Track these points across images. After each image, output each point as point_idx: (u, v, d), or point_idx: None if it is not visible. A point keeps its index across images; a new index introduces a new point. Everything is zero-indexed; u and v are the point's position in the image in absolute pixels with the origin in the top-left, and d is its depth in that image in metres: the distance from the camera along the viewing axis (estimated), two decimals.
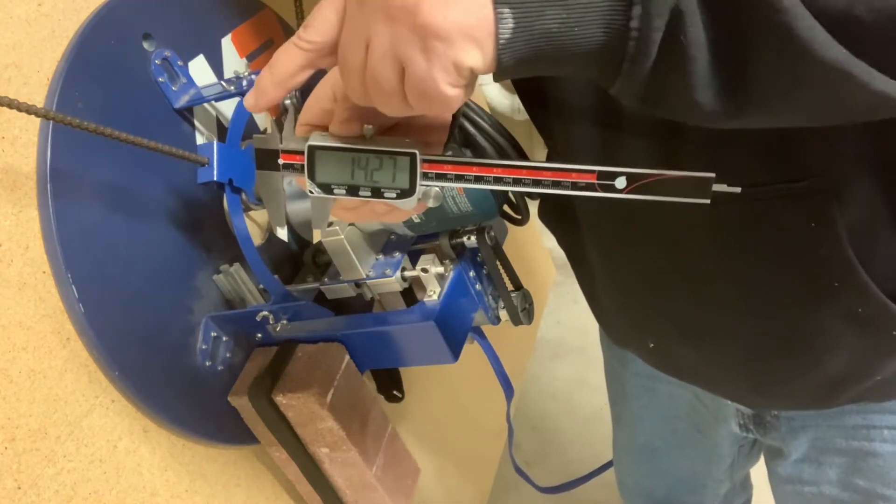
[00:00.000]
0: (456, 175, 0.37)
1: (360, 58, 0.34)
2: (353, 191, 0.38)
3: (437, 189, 0.38)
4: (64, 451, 0.55)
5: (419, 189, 0.38)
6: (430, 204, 0.38)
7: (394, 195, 0.38)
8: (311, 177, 0.38)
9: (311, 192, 0.39)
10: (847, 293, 0.46)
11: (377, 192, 0.38)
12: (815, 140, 0.41)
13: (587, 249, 0.62)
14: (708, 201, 0.35)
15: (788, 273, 0.48)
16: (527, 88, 0.56)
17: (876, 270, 0.45)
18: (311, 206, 0.40)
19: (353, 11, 0.34)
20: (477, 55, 0.32)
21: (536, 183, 0.37)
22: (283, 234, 0.44)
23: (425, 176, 0.37)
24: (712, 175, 0.35)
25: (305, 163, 0.38)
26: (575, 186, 0.36)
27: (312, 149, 0.38)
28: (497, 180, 0.37)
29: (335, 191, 0.38)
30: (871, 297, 0.46)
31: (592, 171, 0.36)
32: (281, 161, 0.39)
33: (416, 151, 0.37)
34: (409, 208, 0.38)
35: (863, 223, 0.45)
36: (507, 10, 0.31)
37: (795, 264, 0.47)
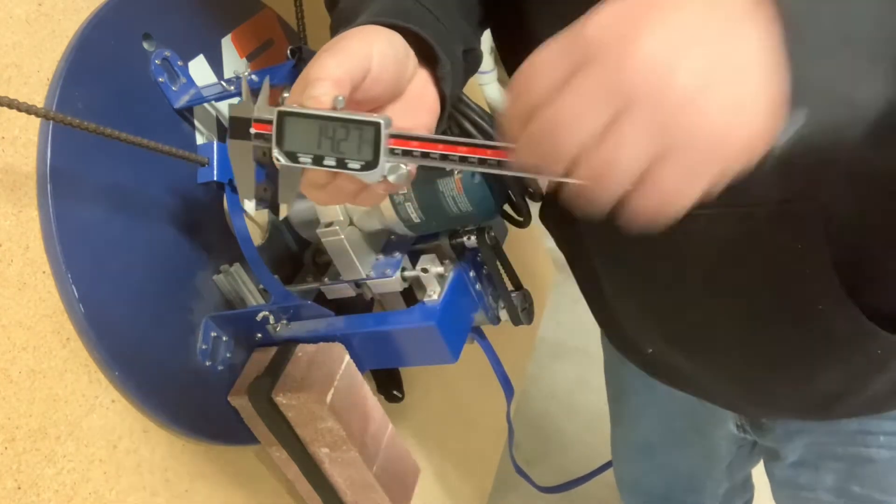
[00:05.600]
0: (422, 152, 0.37)
1: (590, 130, 0.28)
2: (318, 160, 0.38)
3: (405, 168, 0.38)
4: (64, 451, 0.55)
5: (384, 163, 0.38)
6: (393, 180, 0.38)
7: (358, 166, 0.38)
8: (279, 144, 0.39)
9: (277, 159, 0.39)
10: (830, 314, 0.46)
11: (342, 163, 0.38)
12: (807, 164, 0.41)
13: (587, 255, 0.62)
14: None
15: (776, 290, 0.48)
16: (504, 37, 0.55)
17: (864, 292, 0.45)
18: (280, 178, 0.41)
19: (597, 76, 0.28)
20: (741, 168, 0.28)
21: (500, 164, 0.36)
22: (250, 207, 0.44)
23: (392, 152, 0.38)
24: None
25: (274, 129, 0.38)
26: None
27: (282, 115, 0.38)
28: (462, 160, 0.37)
29: (301, 159, 0.39)
30: (855, 320, 0.46)
31: None
32: (253, 130, 0.39)
33: (381, 122, 0.37)
34: (374, 181, 0.39)
35: (851, 246, 0.44)
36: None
37: (782, 282, 0.48)
